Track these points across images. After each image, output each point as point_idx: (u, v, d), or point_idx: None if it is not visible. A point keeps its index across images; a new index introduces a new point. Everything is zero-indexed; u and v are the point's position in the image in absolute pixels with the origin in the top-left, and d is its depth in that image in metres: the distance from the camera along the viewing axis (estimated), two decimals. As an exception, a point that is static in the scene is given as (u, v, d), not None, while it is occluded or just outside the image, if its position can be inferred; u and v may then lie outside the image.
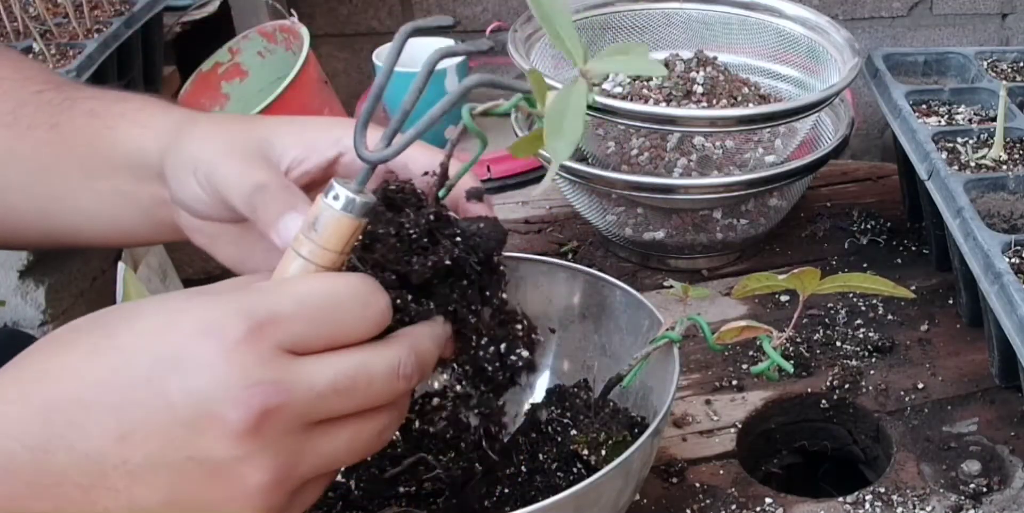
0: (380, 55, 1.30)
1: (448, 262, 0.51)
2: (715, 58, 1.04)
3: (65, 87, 0.68)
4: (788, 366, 0.64)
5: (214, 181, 0.57)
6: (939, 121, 0.95)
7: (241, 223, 0.60)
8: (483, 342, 0.56)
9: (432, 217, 0.51)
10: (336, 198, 0.46)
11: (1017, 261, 0.76)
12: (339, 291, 0.46)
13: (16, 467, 0.42)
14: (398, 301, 0.49)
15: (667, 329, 0.66)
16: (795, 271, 0.64)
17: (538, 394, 0.74)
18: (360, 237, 0.49)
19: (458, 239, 0.52)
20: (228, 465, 0.43)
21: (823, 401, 0.85)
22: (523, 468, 0.67)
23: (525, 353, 0.58)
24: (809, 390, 0.85)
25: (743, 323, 0.64)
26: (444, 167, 0.54)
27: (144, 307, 0.46)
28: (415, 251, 0.51)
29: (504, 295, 0.56)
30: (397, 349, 0.47)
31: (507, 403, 0.76)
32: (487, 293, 0.55)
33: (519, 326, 0.58)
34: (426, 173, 0.56)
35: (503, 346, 0.57)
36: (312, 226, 0.47)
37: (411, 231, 0.51)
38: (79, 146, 0.65)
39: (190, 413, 0.42)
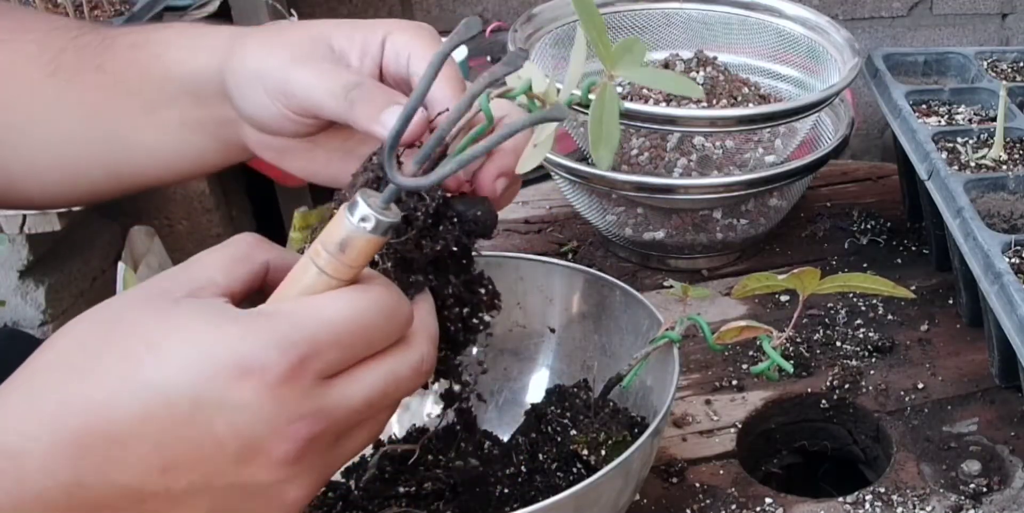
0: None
1: (453, 248, 0.53)
2: (715, 58, 1.04)
3: (100, 29, 0.67)
4: (788, 366, 0.64)
5: (290, 89, 0.57)
6: (939, 121, 0.95)
7: (310, 136, 0.60)
8: (451, 304, 0.56)
9: (440, 202, 0.52)
10: (364, 220, 0.45)
11: (1017, 261, 0.76)
12: (368, 311, 0.46)
13: (50, 499, 0.42)
14: (395, 280, 0.50)
15: (667, 329, 0.66)
16: (795, 271, 0.64)
17: (538, 394, 0.74)
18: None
19: (455, 221, 0.53)
20: (270, 488, 0.44)
21: (823, 401, 0.85)
22: (523, 468, 0.67)
23: (487, 317, 0.58)
24: (809, 390, 0.85)
25: (743, 323, 0.64)
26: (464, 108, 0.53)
27: (164, 330, 0.44)
28: (421, 235, 0.52)
29: (475, 265, 0.57)
30: (418, 347, 0.48)
31: (505, 403, 0.76)
32: (464, 262, 0.56)
33: (483, 290, 0.58)
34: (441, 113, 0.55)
35: (467, 309, 0.57)
36: (338, 245, 0.46)
37: (420, 218, 0.51)
38: (130, 82, 0.64)
39: (236, 448, 0.43)
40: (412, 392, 0.48)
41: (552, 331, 0.76)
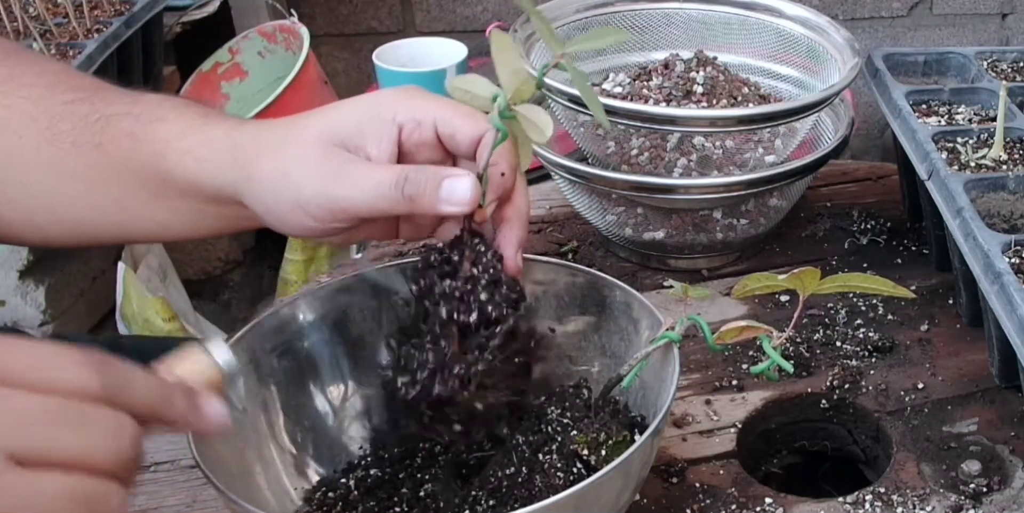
0: (380, 55, 1.30)
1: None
2: (715, 58, 1.04)
3: (92, 98, 0.67)
4: (788, 366, 0.65)
5: (338, 207, 0.59)
6: (939, 121, 0.95)
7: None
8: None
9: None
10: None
11: (1017, 261, 0.76)
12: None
13: None
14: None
15: (667, 329, 0.66)
16: (795, 271, 0.64)
17: (538, 394, 0.74)
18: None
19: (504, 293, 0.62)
20: None
21: (823, 401, 0.85)
22: (523, 468, 0.67)
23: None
24: (809, 390, 0.85)
25: (743, 323, 0.64)
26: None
27: None
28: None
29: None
30: (124, 416, 0.44)
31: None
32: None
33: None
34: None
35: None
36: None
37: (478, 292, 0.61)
38: (133, 171, 0.65)
39: None
40: (114, 449, 0.43)
41: (552, 331, 0.77)
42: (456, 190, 0.57)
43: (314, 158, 0.60)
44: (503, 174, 0.58)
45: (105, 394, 0.44)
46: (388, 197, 0.58)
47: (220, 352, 0.53)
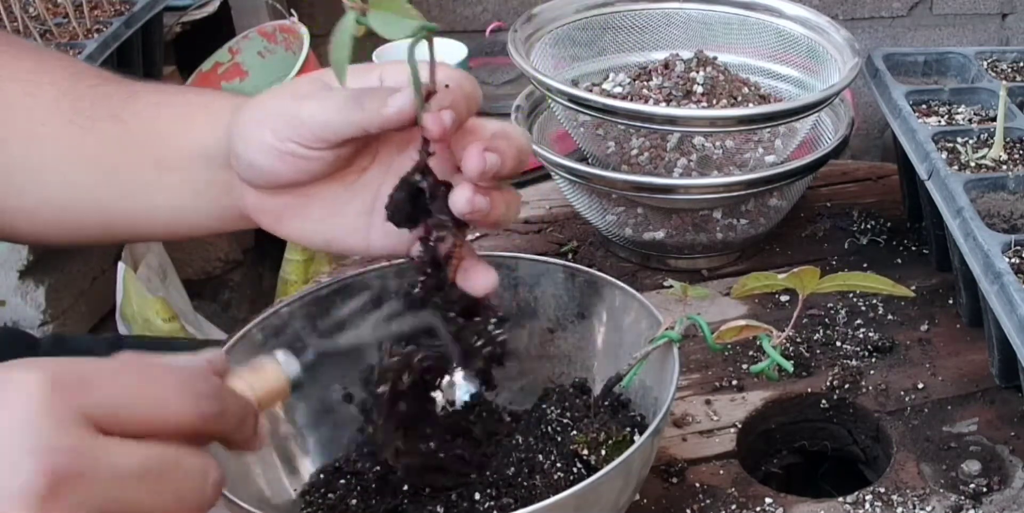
0: (380, 55, 1.30)
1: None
2: (715, 58, 1.04)
3: (122, 80, 0.69)
4: (788, 365, 0.65)
5: (299, 120, 0.58)
6: (939, 121, 0.95)
7: (305, 188, 0.62)
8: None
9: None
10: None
11: (1017, 261, 0.76)
12: (165, 377, 0.44)
13: None
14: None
15: (666, 328, 0.66)
16: (795, 270, 0.64)
17: (537, 394, 0.74)
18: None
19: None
20: None
21: (823, 401, 0.85)
22: (524, 468, 0.67)
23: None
24: (809, 390, 0.85)
25: (742, 322, 0.64)
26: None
27: None
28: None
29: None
30: (209, 458, 0.44)
31: (505, 402, 0.76)
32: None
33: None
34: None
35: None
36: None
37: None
38: (149, 138, 0.66)
39: None
40: (198, 502, 0.43)
41: (551, 331, 0.77)
42: (397, 98, 0.56)
43: (298, 86, 0.61)
44: (447, 85, 0.58)
45: (202, 426, 0.44)
46: (342, 107, 0.58)
47: (291, 364, 0.53)
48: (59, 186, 0.67)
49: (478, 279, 0.62)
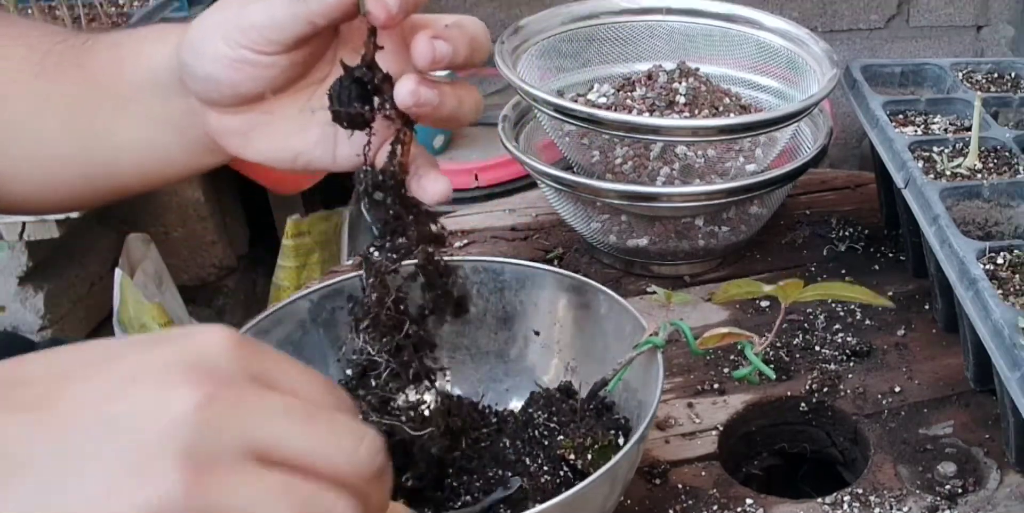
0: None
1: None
2: (697, 69, 1.06)
3: (86, 34, 0.69)
4: (770, 372, 0.66)
5: (247, 21, 0.57)
6: (915, 131, 0.96)
7: (270, 105, 0.61)
8: None
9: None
10: None
11: (991, 267, 0.77)
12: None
13: None
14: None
15: (651, 334, 0.67)
16: (780, 283, 0.65)
17: (522, 397, 0.76)
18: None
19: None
20: (155, 438, 0.37)
21: (802, 404, 0.86)
22: (509, 472, 0.69)
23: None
24: (789, 393, 0.86)
25: (725, 330, 0.65)
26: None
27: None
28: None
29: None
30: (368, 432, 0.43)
31: (490, 406, 0.77)
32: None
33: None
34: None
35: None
36: None
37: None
38: (108, 77, 0.66)
39: (133, 366, 0.39)
40: (350, 465, 0.41)
41: (536, 334, 0.78)
42: None
43: None
44: None
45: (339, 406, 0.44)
46: (287, 4, 0.57)
47: None
48: (33, 141, 0.68)
49: (429, 185, 0.60)
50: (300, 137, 0.63)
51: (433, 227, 0.61)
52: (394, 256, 0.59)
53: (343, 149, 0.62)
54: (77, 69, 0.67)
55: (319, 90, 0.62)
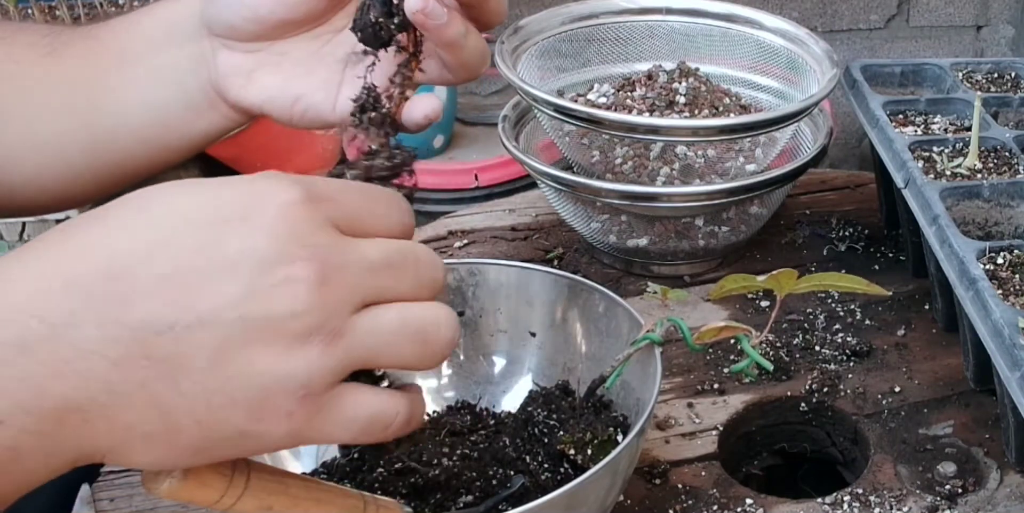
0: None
1: None
2: (697, 69, 1.06)
3: (97, 23, 0.71)
4: (767, 363, 0.66)
5: None
6: (915, 131, 0.96)
7: (283, 46, 0.63)
8: None
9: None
10: None
11: (991, 267, 0.77)
12: (373, 188, 0.50)
13: (31, 343, 0.39)
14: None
15: (647, 331, 0.68)
16: (774, 273, 0.65)
17: (520, 396, 0.76)
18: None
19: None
20: (282, 323, 0.42)
21: (802, 404, 0.86)
22: (510, 470, 0.69)
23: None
24: (789, 393, 0.86)
25: (722, 323, 0.65)
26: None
27: (178, 186, 0.44)
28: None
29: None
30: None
31: (488, 405, 0.77)
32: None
33: None
34: None
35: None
36: None
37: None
38: (119, 39, 0.67)
39: (249, 271, 0.42)
40: (432, 286, 0.48)
41: (533, 335, 0.78)
42: None
43: None
44: None
45: (411, 229, 0.49)
46: None
47: None
48: (34, 120, 0.68)
49: (419, 102, 0.60)
50: (305, 80, 0.64)
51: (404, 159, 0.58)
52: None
53: (345, 93, 0.62)
54: (86, 40, 0.68)
55: (335, 38, 0.63)
